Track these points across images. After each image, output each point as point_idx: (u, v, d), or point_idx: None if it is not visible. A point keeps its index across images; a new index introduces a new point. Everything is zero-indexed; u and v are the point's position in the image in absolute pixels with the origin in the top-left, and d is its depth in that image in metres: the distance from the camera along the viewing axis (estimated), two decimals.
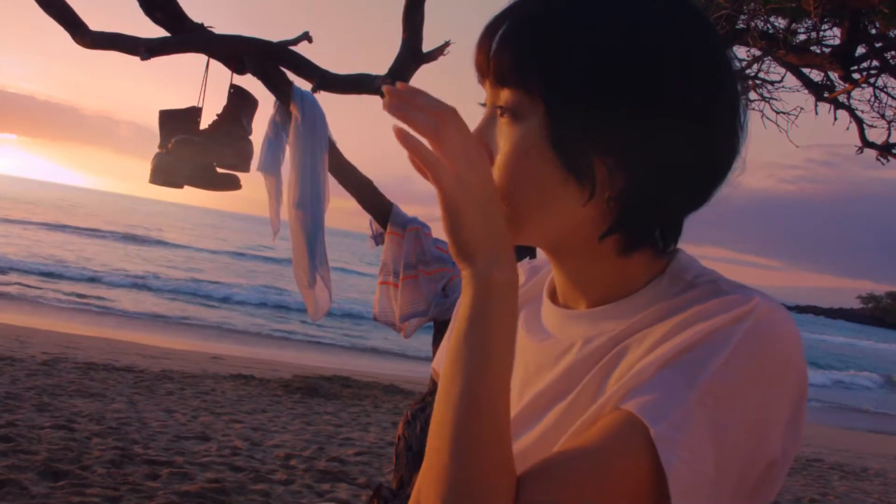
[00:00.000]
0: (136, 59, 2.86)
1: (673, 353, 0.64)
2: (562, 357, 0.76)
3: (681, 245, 0.76)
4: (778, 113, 5.01)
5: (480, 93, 0.75)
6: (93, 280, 17.83)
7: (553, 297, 0.82)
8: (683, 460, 0.60)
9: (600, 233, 0.71)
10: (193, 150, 3.08)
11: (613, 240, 0.72)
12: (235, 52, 3.02)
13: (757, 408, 0.63)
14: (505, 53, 0.69)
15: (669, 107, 0.66)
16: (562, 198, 0.69)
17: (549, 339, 0.79)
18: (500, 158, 0.70)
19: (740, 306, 0.65)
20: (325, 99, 3.11)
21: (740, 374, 0.62)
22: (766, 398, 0.63)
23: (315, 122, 3.01)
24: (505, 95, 0.70)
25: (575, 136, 0.67)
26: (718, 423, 0.61)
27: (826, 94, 4.78)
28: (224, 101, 3.17)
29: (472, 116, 0.74)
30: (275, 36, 3.16)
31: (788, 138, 5.01)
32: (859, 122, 4.96)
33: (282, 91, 3.05)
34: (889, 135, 4.87)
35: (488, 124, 0.72)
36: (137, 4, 2.89)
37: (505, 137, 0.70)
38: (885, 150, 4.88)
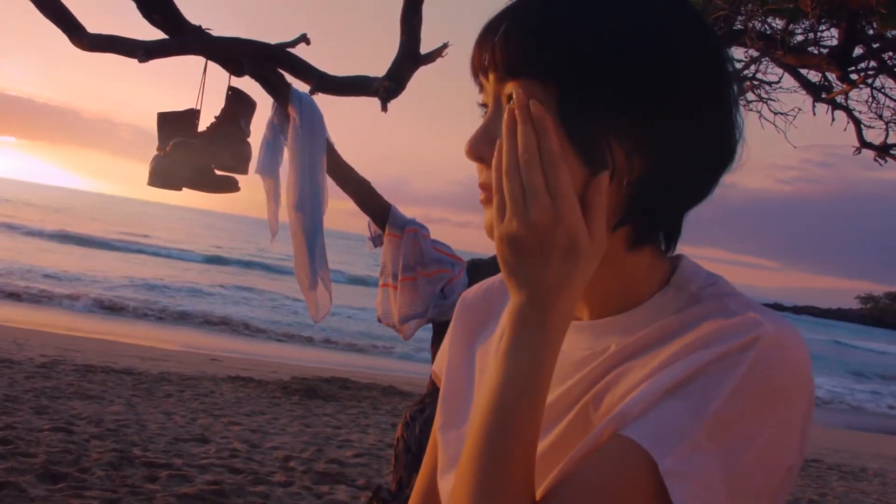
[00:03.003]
0: (135, 61, 2.86)
1: (677, 379, 0.63)
2: (567, 371, 0.75)
3: (679, 246, 0.76)
4: (776, 114, 5.03)
5: (478, 94, 0.74)
6: (92, 281, 17.80)
7: None
8: (695, 497, 0.59)
9: (611, 225, 0.70)
10: (191, 152, 3.08)
11: (623, 233, 0.71)
12: (233, 54, 3.02)
13: (769, 433, 0.63)
14: (514, 44, 0.68)
15: (686, 92, 0.67)
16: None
17: None
18: None
19: (747, 332, 0.64)
20: (323, 101, 3.10)
21: (748, 404, 0.62)
22: (776, 421, 0.63)
23: (313, 123, 3.01)
24: (514, 86, 0.68)
25: (590, 120, 0.67)
26: (729, 455, 0.61)
27: (824, 95, 4.78)
28: (222, 104, 3.17)
29: (472, 121, 0.74)
30: (273, 38, 3.15)
31: (786, 139, 5.02)
32: (857, 123, 4.96)
33: (280, 93, 3.05)
34: (887, 135, 4.88)
35: (496, 118, 0.71)
36: (136, 7, 2.89)
37: None
38: (882, 150, 4.89)
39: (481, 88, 0.74)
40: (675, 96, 0.67)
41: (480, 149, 0.71)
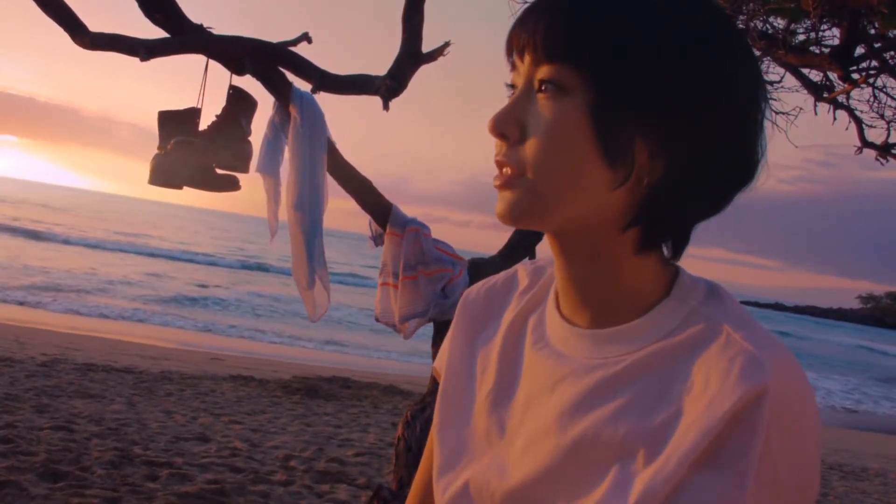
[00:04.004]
0: (136, 60, 2.86)
1: (700, 445, 0.63)
2: (563, 381, 0.74)
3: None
4: (777, 113, 5.01)
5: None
6: (93, 280, 17.81)
7: (558, 304, 0.80)
8: None
9: (622, 225, 0.70)
10: (192, 151, 3.08)
11: (632, 235, 0.71)
12: (235, 53, 3.02)
13: (799, 472, 0.65)
14: (557, 27, 0.67)
15: (719, 98, 0.67)
16: (593, 178, 0.67)
17: (553, 356, 0.77)
18: (536, 132, 0.69)
19: (755, 377, 0.64)
20: (324, 99, 3.11)
21: (779, 455, 0.63)
22: (804, 459, 0.65)
23: (314, 122, 3.00)
24: (550, 69, 0.68)
25: (620, 115, 0.66)
26: None
27: (825, 95, 4.78)
28: (223, 102, 3.17)
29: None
30: (274, 37, 3.16)
31: (788, 138, 5.01)
32: (858, 123, 4.96)
33: (281, 92, 3.04)
34: (888, 135, 4.87)
35: (524, 98, 0.71)
36: (137, 6, 2.89)
37: (544, 110, 0.68)
38: (884, 150, 4.88)
39: (513, 68, 0.73)
40: (709, 102, 0.66)
41: (503, 126, 0.71)
